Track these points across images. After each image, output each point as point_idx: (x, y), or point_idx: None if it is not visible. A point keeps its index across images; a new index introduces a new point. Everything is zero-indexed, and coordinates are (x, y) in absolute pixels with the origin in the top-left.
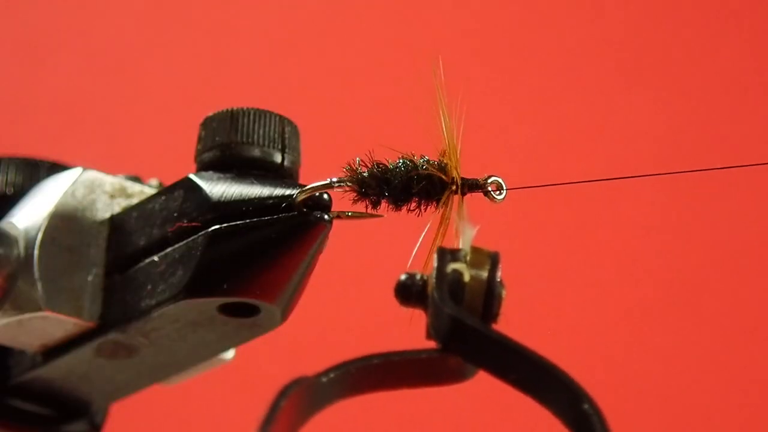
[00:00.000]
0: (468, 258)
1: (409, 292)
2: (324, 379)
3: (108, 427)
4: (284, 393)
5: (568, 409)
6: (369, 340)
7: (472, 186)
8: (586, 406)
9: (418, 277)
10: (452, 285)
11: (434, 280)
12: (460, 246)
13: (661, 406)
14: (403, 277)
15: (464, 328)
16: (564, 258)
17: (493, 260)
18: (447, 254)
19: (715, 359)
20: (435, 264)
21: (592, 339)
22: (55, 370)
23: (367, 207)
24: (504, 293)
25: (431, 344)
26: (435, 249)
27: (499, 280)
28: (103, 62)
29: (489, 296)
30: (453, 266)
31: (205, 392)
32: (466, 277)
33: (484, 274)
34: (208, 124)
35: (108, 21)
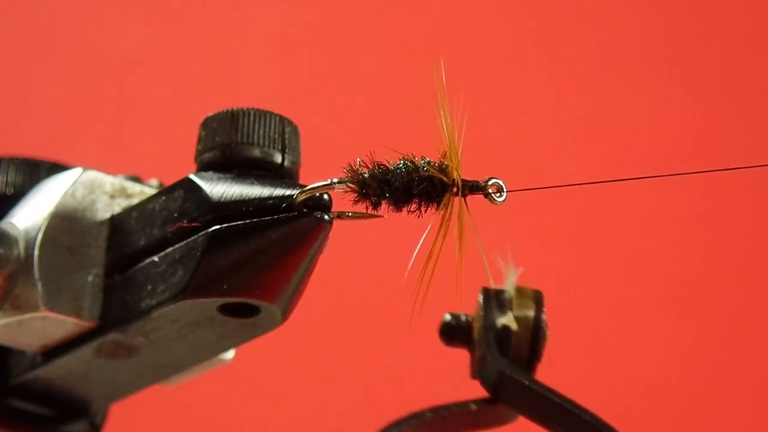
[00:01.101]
0: (513, 302)
1: (454, 334)
2: None
3: (108, 427)
4: None
5: None
6: (369, 340)
7: (472, 188)
8: None
9: (464, 318)
10: (499, 334)
11: (482, 331)
12: (505, 287)
13: (666, 411)
14: (447, 317)
15: (513, 382)
16: (564, 259)
17: (538, 301)
18: (493, 300)
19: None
20: (481, 312)
21: (591, 339)
22: (55, 370)
23: (367, 208)
24: (548, 333)
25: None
26: (480, 291)
27: (544, 323)
28: (104, 62)
29: (535, 341)
30: (502, 321)
31: (205, 392)
32: (514, 327)
33: (530, 316)
34: (208, 124)
35: (108, 21)
